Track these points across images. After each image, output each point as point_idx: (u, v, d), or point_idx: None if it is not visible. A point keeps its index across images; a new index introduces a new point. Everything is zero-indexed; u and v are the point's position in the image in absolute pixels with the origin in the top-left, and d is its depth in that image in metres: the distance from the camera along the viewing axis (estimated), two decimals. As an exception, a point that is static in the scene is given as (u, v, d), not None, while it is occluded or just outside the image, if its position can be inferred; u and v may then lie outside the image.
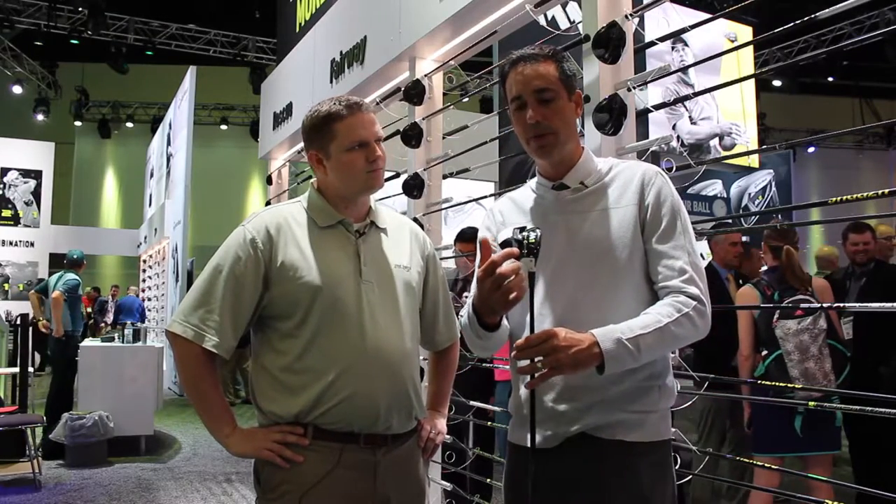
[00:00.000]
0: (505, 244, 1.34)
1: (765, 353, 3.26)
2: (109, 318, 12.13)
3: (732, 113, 6.97)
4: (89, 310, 12.69)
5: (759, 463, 2.70)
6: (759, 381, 2.77)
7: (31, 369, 5.88)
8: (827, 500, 1.56)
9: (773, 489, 2.95)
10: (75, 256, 6.67)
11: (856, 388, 2.85)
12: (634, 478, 1.36)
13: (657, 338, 1.30)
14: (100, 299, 13.40)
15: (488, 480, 2.92)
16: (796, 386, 3.00)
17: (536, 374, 1.28)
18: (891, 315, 3.66)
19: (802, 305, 3.11)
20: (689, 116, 6.66)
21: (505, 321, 1.48)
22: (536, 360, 1.26)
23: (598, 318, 1.34)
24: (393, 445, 1.57)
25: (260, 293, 1.54)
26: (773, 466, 2.62)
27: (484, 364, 3.23)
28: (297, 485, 1.50)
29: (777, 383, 2.99)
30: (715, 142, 6.81)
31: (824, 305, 3.12)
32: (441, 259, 3.10)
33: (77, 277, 6.56)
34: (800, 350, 3.10)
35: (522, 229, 1.30)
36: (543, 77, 1.41)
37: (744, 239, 4.59)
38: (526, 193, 1.56)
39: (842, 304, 2.22)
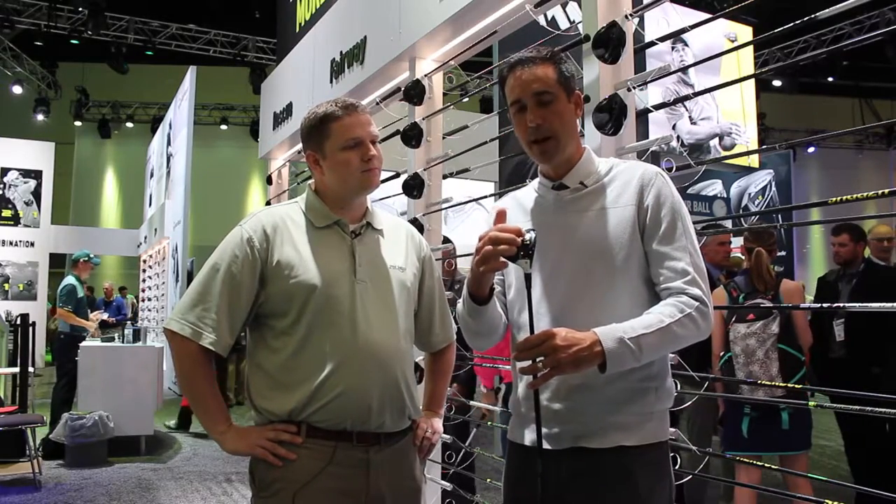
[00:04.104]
0: None
1: (722, 353, 3.32)
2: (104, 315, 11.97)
3: (732, 113, 6.98)
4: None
5: (746, 461, 2.69)
6: (759, 381, 2.77)
7: (31, 369, 5.88)
8: (827, 501, 1.56)
9: (774, 488, 2.95)
10: (72, 256, 6.69)
11: (850, 388, 2.86)
12: (631, 480, 1.35)
13: (659, 338, 1.29)
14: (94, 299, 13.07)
15: (488, 480, 2.91)
16: (796, 386, 2.99)
17: (538, 375, 1.28)
18: (881, 316, 3.66)
19: (750, 306, 3.14)
20: (689, 116, 6.66)
21: (500, 308, 1.51)
22: (537, 360, 1.27)
23: (593, 318, 1.34)
24: (386, 444, 1.58)
25: (256, 291, 1.56)
26: (757, 463, 2.62)
27: (484, 365, 3.23)
28: (290, 482, 1.52)
29: (764, 382, 3.00)
30: (715, 142, 6.81)
31: (772, 306, 3.13)
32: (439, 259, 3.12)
33: (72, 281, 6.55)
34: (745, 353, 3.16)
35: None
36: (542, 80, 1.42)
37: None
38: (528, 193, 1.57)
39: (798, 306, 2.26)
